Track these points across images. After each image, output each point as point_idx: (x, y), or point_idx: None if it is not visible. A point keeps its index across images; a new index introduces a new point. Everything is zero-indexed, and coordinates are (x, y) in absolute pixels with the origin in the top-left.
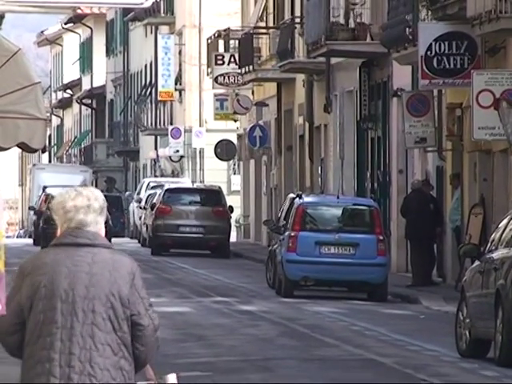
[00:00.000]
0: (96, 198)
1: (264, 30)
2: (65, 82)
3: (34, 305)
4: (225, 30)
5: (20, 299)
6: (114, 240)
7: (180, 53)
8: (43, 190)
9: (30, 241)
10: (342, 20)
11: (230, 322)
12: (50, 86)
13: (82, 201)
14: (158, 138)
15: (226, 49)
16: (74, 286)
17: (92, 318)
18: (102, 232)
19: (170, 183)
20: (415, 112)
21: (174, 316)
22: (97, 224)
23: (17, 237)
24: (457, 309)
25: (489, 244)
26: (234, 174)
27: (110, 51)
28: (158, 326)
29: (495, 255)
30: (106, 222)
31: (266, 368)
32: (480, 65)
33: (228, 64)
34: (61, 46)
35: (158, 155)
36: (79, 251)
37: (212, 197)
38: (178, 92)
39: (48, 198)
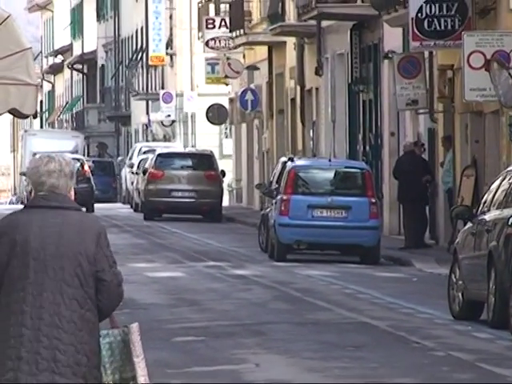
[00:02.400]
0: (67, 163)
1: None
2: (56, 47)
3: (11, 261)
4: None
5: None
6: (106, 205)
7: (171, 17)
8: (33, 157)
9: (22, 207)
10: None
11: (223, 286)
12: (40, 52)
13: (54, 166)
14: (150, 102)
15: (217, 13)
16: (44, 245)
17: (61, 275)
18: (72, 195)
19: (162, 148)
20: (406, 74)
21: (166, 281)
22: (67, 187)
23: (9, 203)
24: (449, 271)
25: (481, 206)
26: (226, 137)
27: (100, 16)
28: (122, 280)
29: (487, 217)
30: (91, 186)
31: (260, 332)
32: (471, 26)
33: (219, 28)
34: (51, 11)
35: (149, 120)
36: (50, 213)
37: (204, 161)
38: (169, 56)
39: None
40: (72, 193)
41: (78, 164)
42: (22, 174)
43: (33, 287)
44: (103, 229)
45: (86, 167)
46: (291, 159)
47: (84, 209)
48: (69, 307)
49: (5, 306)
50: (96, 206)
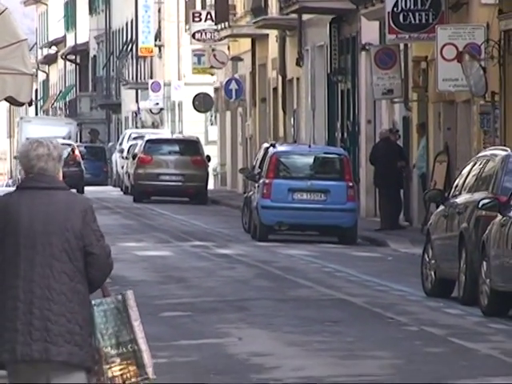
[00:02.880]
0: (55, 147)
1: None
2: (50, 39)
3: (4, 239)
4: None
5: None
6: (98, 188)
7: (159, 10)
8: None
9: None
10: None
11: (208, 264)
12: (36, 43)
13: (43, 150)
14: (139, 91)
15: (203, 6)
16: (33, 223)
17: (50, 251)
18: (60, 177)
19: (151, 134)
20: (382, 65)
21: (155, 259)
22: (55, 170)
23: (5, 186)
24: (423, 251)
25: (452, 189)
26: (211, 125)
27: (92, 10)
28: (110, 252)
29: (459, 200)
30: (81, 170)
31: (243, 308)
32: (444, 20)
33: (205, 21)
34: (46, 5)
35: (138, 108)
36: (39, 193)
37: (190, 147)
38: (157, 48)
39: None
40: (60, 174)
41: (69, 149)
42: (15, 157)
43: (24, 263)
44: (89, 205)
45: (77, 152)
46: (273, 145)
47: (74, 190)
48: (58, 280)
49: (1, 283)
50: (88, 188)
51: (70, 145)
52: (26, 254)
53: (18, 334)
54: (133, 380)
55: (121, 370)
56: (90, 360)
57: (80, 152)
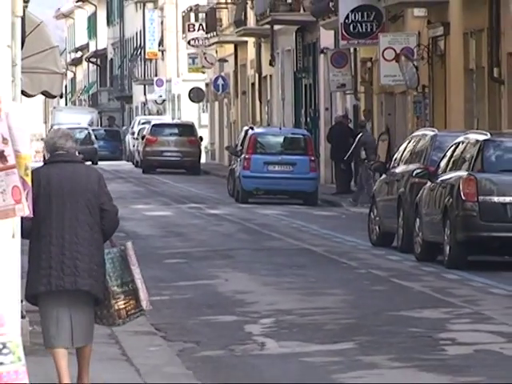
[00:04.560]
0: (72, 132)
1: (224, 5)
2: (76, 45)
3: (39, 199)
4: (195, 6)
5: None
6: (114, 162)
7: (162, 23)
8: (51, 128)
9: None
10: None
11: (201, 222)
12: (65, 49)
13: (63, 135)
14: (146, 86)
15: (196, 19)
16: (62, 186)
17: (76, 206)
18: (76, 153)
19: (156, 120)
20: (337, 64)
21: (159, 218)
22: (73, 149)
23: (42, 161)
24: (369, 210)
25: (392, 162)
26: (203, 112)
27: (109, 22)
28: (117, 211)
29: (397, 170)
30: (95, 148)
31: (228, 256)
32: (384, 29)
33: (197, 31)
34: (73, 19)
35: (146, 99)
36: (64, 165)
37: (187, 129)
38: (160, 52)
39: None
40: (77, 152)
41: (86, 132)
42: (42, 139)
43: (56, 216)
44: (101, 174)
45: (92, 134)
46: (251, 128)
47: (89, 163)
48: (82, 229)
49: (37, 233)
50: (105, 163)
51: (86, 128)
52: (57, 210)
53: (52, 270)
54: (133, 311)
55: (124, 304)
56: (102, 293)
57: (100, 134)
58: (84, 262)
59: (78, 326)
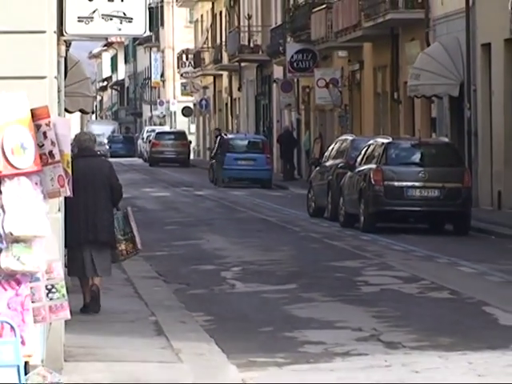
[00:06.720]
0: (94, 134)
1: (206, 49)
2: (103, 77)
3: (75, 184)
4: (186, 49)
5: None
6: (129, 159)
7: (163, 61)
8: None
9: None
10: (246, 42)
11: (190, 200)
12: (95, 79)
13: (88, 136)
14: (152, 105)
15: (187, 58)
16: (86, 174)
17: (97, 188)
18: (95, 150)
19: (159, 129)
20: (285, 90)
21: (160, 198)
22: (94, 147)
23: None
24: (307, 192)
25: (324, 158)
26: (192, 123)
27: (127, 61)
28: (121, 187)
29: (327, 164)
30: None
31: (210, 224)
32: (318, 65)
33: (188, 66)
34: (101, 58)
35: (152, 115)
36: (88, 158)
37: (180, 136)
38: (162, 81)
39: None
40: (96, 150)
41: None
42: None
43: (83, 194)
44: (112, 164)
45: (105, 140)
46: (225, 134)
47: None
48: (100, 201)
49: (70, 208)
50: (123, 159)
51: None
52: (84, 189)
53: (81, 229)
54: (131, 251)
55: (125, 246)
56: (114, 242)
57: (120, 139)
58: (103, 225)
59: (97, 263)
